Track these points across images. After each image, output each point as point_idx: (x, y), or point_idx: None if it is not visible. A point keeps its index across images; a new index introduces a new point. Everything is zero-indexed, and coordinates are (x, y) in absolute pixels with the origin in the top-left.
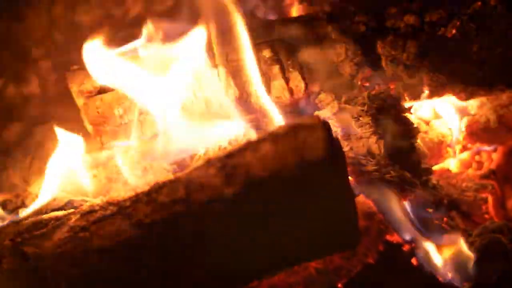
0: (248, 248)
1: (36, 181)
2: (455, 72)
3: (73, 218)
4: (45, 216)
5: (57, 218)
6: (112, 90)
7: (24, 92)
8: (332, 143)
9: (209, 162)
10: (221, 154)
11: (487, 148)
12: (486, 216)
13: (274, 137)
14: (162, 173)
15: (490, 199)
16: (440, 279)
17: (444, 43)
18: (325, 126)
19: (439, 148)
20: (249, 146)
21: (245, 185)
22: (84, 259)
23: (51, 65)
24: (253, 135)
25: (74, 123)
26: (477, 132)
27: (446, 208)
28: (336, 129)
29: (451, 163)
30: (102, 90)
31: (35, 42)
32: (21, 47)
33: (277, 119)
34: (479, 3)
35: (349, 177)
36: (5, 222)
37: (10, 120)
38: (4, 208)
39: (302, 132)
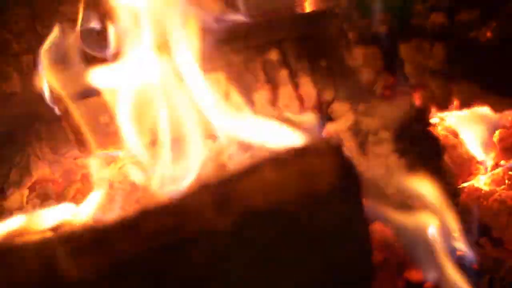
0: (245, 286)
1: (14, 194)
2: (489, 80)
3: (42, 247)
4: (14, 242)
5: (23, 246)
6: (96, 94)
7: (4, 89)
8: (345, 168)
9: (203, 188)
10: (217, 180)
11: None
12: None
13: (278, 162)
14: (151, 191)
15: None
16: None
17: (477, 47)
18: (338, 151)
19: (469, 164)
20: (248, 171)
21: (243, 217)
22: None
23: (33, 61)
24: (254, 155)
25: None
26: (511, 147)
27: (475, 235)
28: (351, 145)
29: (481, 181)
30: (86, 95)
31: (16, 36)
32: (1, 41)
33: (283, 135)
34: None
35: (365, 203)
36: None
37: None
38: None
39: (309, 157)
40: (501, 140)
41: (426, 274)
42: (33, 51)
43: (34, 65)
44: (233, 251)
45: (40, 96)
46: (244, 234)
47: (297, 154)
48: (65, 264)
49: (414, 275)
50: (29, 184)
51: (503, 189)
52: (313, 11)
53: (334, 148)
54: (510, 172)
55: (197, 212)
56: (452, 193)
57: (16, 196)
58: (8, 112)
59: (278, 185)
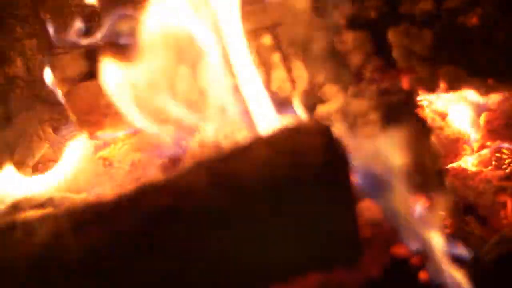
0: (239, 261)
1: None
2: (476, 64)
3: (48, 222)
4: (18, 219)
5: (29, 222)
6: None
7: (8, 72)
8: (334, 148)
9: (198, 167)
10: (212, 158)
11: (508, 145)
12: (505, 222)
13: (269, 141)
14: (150, 168)
15: (509, 203)
16: None
17: (464, 33)
18: (326, 130)
19: (456, 145)
20: (241, 150)
21: (236, 192)
22: (57, 272)
23: (36, 45)
24: (248, 132)
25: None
26: (497, 129)
27: (461, 213)
28: (341, 126)
29: (470, 165)
30: (87, 77)
31: (19, 21)
32: (5, 26)
33: (274, 116)
34: None
35: (354, 181)
36: None
37: None
38: None
39: (299, 136)
40: (487, 122)
41: (412, 249)
42: (36, 35)
43: (37, 49)
44: (227, 224)
45: (42, 79)
46: (238, 209)
47: (288, 133)
48: (68, 238)
49: (401, 251)
50: (31, 164)
51: (490, 170)
52: None
53: (322, 128)
54: (497, 154)
55: (193, 189)
56: (439, 172)
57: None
58: (11, 94)
59: (270, 163)
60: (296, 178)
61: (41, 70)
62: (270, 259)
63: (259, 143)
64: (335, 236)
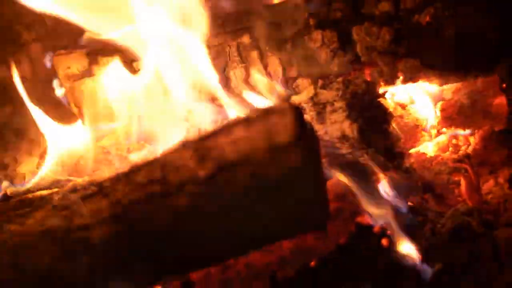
0: (221, 227)
1: (26, 161)
2: (429, 58)
3: (56, 198)
4: (30, 195)
5: (41, 198)
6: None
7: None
8: (304, 127)
9: (184, 145)
10: (196, 138)
11: (463, 132)
12: (459, 199)
13: (247, 121)
14: (143, 154)
15: (463, 182)
16: (410, 260)
17: (418, 30)
18: (296, 111)
19: (415, 132)
20: (222, 130)
21: (218, 167)
22: (66, 236)
23: (42, 49)
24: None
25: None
26: (452, 117)
27: (420, 191)
28: (312, 113)
29: (428, 147)
30: (87, 74)
31: (26, 26)
32: (12, 31)
33: (253, 104)
34: None
35: (323, 160)
36: None
37: (2, 101)
38: None
39: (273, 117)
40: (442, 110)
41: (374, 220)
42: (41, 40)
43: (42, 52)
44: (210, 195)
45: (46, 80)
46: (219, 181)
47: (262, 113)
48: (76, 210)
49: (365, 221)
50: (38, 153)
51: (447, 154)
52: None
53: (293, 108)
54: (453, 141)
55: (180, 165)
56: (398, 155)
57: (28, 163)
58: (18, 93)
59: (247, 140)
60: (271, 151)
61: (46, 70)
62: (248, 227)
63: (238, 123)
64: (307, 204)
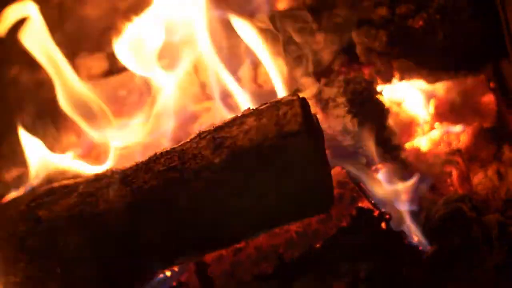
0: (234, 210)
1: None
2: (422, 58)
3: (81, 186)
4: (56, 184)
5: (66, 186)
6: (115, 73)
7: (37, 77)
8: (310, 118)
9: (200, 135)
10: (211, 128)
11: (454, 128)
12: (451, 188)
13: (258, 112)
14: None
15: (454, 173)
16: (406, 241)
17: (412, 33)
18: (303, 102)
19: (409, 127)
20: (235, 120)
21: (232, 154)
22: (91, 221)
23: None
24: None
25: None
26: (444, 113)
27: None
28: (316, 109)
29: (422, 142)
30: (108, 74)
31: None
32: None
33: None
34: None
35: (326, 151)
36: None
37: (24, 103)
38: (19, 180)
39: (282, 108)
40: (435, 107)
41: (373, 204)
42: (60, 44)
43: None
44: (224, 180)
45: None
46: (233, 167)
47: (272, 105)
48: (101, 197)
49: (365, 205)
50: (60, 149)
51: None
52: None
53: (301, 100)
54: (445, 137)
55: (197, 153)
56: (394, 147)
57: None
58: (40, 95)
59: (258, 130)
60: (280, 139)
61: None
62: (259, 209)
63: (249, 114)
64: (313, 187)
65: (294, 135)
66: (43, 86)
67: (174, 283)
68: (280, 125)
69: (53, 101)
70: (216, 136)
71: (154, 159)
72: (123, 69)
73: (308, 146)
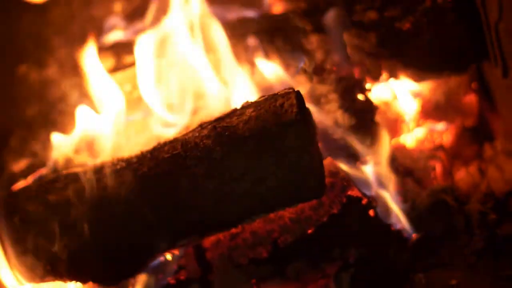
0: (232, 196)
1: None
2: (409, 59)
3: (89, 173)
4: (65, 172)
5: (74, 173)
6: (120, 70)
7: (45, 76)
8: (305, 110)
9: (202, 125)
10: (212, 119)
11: (438, 126)
12: (434, 182)
13: (256, 104)
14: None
15: (438, 167)
16: (393, 228)
17: (400, 35)
18: (298, 94)
19: (396, 124)
20: (235, 111)
21: (232, 142)
22: (100, 205)
23: (69, 53)
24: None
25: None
26: (429, 112)
27: (400, 174)
28: (309, 105)
29: (407, 139)
30: (114, 70)
31: (55, 32)
32: (43, 37)
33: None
34: (429, 2)
35: (319, 143)
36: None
37: (32, 99)
38: (29, 169)
39: (279, 99)
40: (421, 106)
41: (362, 192)
42: (69, 45)
43: (69, 56)
44: (225, 167)
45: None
46: (233, 154)
47: (269, 97)
48: (108, 183)
49: (355, 193)
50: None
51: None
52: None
53: (296, 92)
54: (429, 135)
55: (199, 142)
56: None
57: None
58: (47, 93)
59: (257, 119)
60: (277, 128)
61: (72, 72)
62: (256, 195)
63: (249, 105)
64: (307, 174)
65: (291, 124)
66: (50, 84)
67: (175, 266)
68: (277, 115)
69: (59, 99)
70: (217, 125)
71: (158, 148)
72: (128, 65)
73: (304, 134)
